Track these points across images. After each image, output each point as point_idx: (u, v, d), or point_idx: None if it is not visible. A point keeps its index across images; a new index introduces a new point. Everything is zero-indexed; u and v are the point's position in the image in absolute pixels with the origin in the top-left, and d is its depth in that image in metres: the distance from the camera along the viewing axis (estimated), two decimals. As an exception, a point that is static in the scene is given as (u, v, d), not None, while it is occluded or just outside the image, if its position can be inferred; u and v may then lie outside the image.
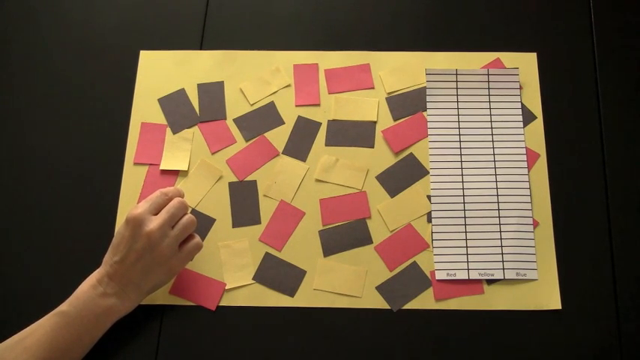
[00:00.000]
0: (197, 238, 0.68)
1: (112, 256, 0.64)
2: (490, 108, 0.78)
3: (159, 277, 0.65)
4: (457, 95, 0.78)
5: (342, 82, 0.79)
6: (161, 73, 0.80)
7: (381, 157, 0.76)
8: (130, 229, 0.64)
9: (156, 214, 0.65)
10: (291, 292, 0.71)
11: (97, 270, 0.65)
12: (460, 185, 0.75)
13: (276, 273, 0.71)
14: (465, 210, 0.74)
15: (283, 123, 0.78)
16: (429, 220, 0.73)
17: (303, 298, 0.70)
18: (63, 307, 0.63)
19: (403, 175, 0.75)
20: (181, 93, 0.79)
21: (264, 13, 0.83)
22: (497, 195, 0.74)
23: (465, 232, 0.73)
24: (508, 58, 0.80)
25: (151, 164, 0.76)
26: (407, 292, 0.70)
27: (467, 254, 0.72)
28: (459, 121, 0.77)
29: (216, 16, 0.83)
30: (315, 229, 0.73)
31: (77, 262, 0.71)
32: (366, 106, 0.78)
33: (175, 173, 0.76)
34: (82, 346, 0.63)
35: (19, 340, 0.61)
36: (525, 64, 0.79)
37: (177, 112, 0.78)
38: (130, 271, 0.64)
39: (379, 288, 0.71)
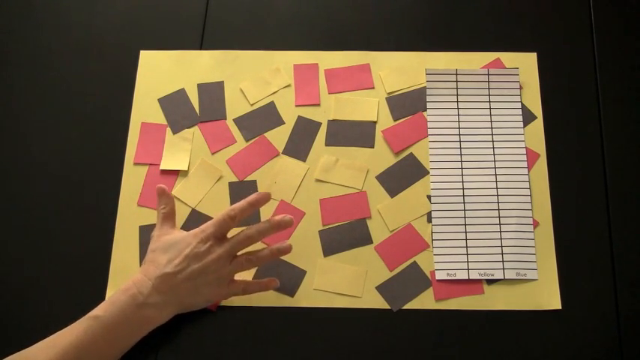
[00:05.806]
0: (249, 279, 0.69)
1: (163, 267, 0.63)
2: (490, 108, 0.78)
3: (202, 298, 0.66)
4: (457, 95, 0.78)
5: (342, 82, 0.79)
6: (161, 73, 0.80)
7: (381, 157, 0.76)
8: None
9: (221, 237, 0.65)
10: (291, 292, 0.71)
11: (138, 278, 0.63)
12: (460, 185, 0.75)
13: (276, 273, 0.71)
14: (465, 210, 0.74)
15: (283, 123, 0.78)
16: (429, 220, 0.73)
17: (303, 298, 0.70)
18: (97, 312, 0.61)
19: (403, 175, 0.75)
20: (181, 93, 0.79)
21: (264, 13, 0.83)
22: (497, 195, 0.74)
23: (465, 232, 0.73)
24: (508, 58, 0.80)
25: (151, 164, 0.76)
26: (407, 292, 0.70)
27: (467, 254, 0.72)
28: (459, 121, 0.77)
29: (216, 16, 0.83)
30: (315, 229, 0.73)
31: (77, 263, 0.72)
32: (366, 106, 0.78)
33: (175, 173, 0.76)
34: (113, 354, 0.62)
35: (50, 342, 0.60)
36: (525, 64, 0.79)
37: (177, 112, 0.78)
38: (177, 287, 0.63)
39: (379, 288, 0.71)
